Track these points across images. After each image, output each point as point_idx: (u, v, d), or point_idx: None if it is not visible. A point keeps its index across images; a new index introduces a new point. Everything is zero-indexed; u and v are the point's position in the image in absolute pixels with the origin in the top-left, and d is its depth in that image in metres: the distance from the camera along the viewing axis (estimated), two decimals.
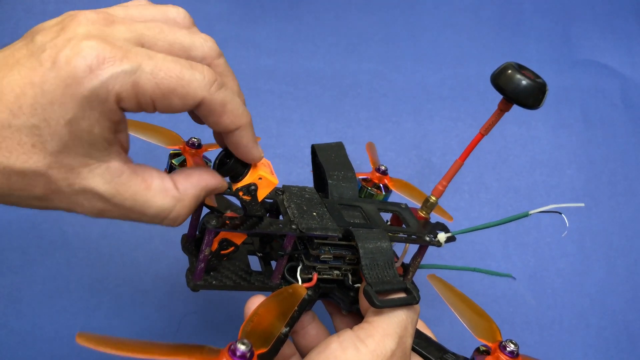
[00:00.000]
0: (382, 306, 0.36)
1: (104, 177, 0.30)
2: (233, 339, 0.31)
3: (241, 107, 0.32)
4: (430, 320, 0.46)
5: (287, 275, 0.41)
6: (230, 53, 0.73)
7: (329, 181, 0.45)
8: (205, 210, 0.42)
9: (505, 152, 0.76)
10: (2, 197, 0.29)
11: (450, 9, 0.86)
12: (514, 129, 0.77)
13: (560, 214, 0.41)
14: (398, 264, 0.46)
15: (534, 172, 0.75)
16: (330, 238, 0.40)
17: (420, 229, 0.44)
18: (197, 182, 0.34)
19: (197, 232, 0.43)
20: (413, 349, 0.39)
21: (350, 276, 0.42)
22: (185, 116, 0.36)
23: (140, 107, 0.29)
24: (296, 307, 0.37)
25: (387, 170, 0.54)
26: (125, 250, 0.59)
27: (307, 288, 0.40)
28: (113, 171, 0.30)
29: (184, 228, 0.41)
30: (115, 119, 0.29)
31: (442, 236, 0.44)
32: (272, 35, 0.78)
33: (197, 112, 0.31)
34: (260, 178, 0.36)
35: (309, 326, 0.42)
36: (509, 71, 0.40)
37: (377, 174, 0.53)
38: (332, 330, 0.44)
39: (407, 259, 0.46)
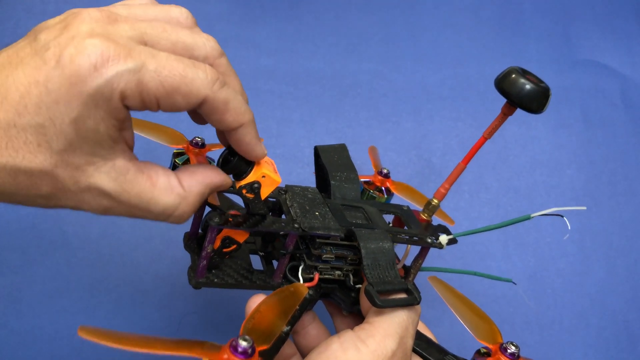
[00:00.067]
0: (384, 306, 0.36)
1: (110, 175, 0.30)
2: None
3: (244, 105, 0.33)
4: (431, 321, 0.46)
5: (288, 275, 0.41)
6: (231, 53, 0.72)
7: (332, 182, 0.45)
8: (207, 209, 0.42)
9: (505, 152, 0.76)
10: (8, 196, 0.29)
11: (450, 9, 0.86)
12: (514, 129, 0.77)
13: (562, 217, 0.41)
14: (399, 266, 0.46)
15: (534, 172, 0.75)
16: (332, 238, 0.40)
17: (422, 230, 0.44)
18: (201, 179, 0.34)
19: (199, 230, 0.43)
20: (414, 350, 0.39)
21: (351, 277, 0.42)
22: (186, 116, 0.36)
23: (144, 106, 0.29)
24: (297, 306, 0.37)
25: (389, 173, 0.54)
26: (125, 250, 0.59)
27: (309, 287, 0.40)
28: (119, 169, 0.30)
29: (186, 227, 0.41)
30: (120, 117, 0.29)
31: (443, 238, 0.44)
32: (272, 35, 0.78)
33: (200, 110, 0.31)
34: (263, 176, 0.36)
35: (310, 326, 0.42)
36: (513, 75, 0.40)
37: (380, 177, 0.53)
38: (333, 331, 0.44)
39: (408, 261, 0.47)
